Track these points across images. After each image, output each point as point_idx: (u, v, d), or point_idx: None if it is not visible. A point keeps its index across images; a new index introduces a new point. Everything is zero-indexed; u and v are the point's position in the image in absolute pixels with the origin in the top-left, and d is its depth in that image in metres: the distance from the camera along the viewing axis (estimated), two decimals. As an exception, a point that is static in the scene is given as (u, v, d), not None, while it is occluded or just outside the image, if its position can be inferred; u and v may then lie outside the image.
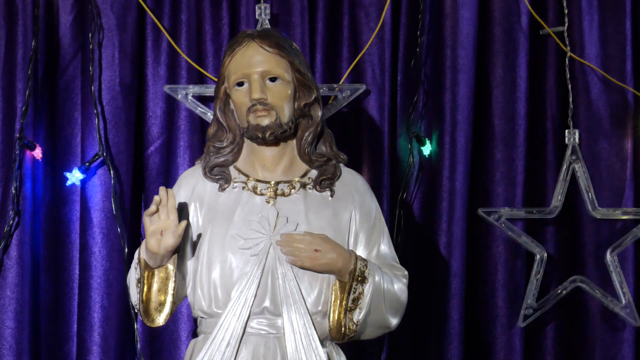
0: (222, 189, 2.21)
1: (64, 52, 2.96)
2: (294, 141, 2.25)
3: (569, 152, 3.02)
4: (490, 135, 3.07)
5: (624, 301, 2.98)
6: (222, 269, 2.13)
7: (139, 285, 2.16)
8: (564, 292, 3.02)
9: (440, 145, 3.02)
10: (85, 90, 2.93)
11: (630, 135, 3.09)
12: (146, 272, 2.13)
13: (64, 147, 2.96)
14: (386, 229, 2.29)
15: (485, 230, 3.05)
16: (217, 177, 2.22)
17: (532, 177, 3.09)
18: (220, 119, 2.25)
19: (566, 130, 3.04)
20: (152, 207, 2.08)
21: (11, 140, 2.88)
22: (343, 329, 2.13)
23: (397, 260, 2.27)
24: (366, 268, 2.13)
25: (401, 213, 2.99)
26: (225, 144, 2.25)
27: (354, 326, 2.14)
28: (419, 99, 3.04)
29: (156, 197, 2.07)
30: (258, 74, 2.15)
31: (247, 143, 2.25)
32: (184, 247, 2.19)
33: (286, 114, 2.18)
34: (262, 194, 2.19)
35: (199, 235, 2.19)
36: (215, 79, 2.76)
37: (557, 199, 3.00)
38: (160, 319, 2.17)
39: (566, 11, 3.08)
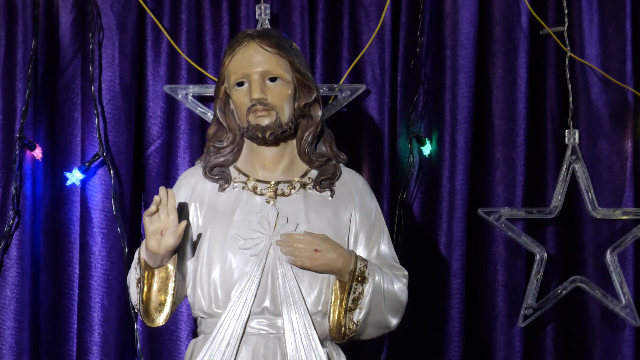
0: (222, 189, 2.21)
1: (64, 52, 2.96)
2: (294, 141, 2.25)
3: (569, 152, 3.02)
4: (490, 135, 3.07)
5: (624, 301, 2.98)
6: (222, 269, 2.13)
7: (139, 285, 2.16)
8: (564, 292, 3.02)
9: (440, 145, 3.02)
10: (85, 90, 2.93)
11: (630, 135, 3.09)
12: (146, 272, 2.13)
13: (64, 147, 2.96)
14: (386, 228, 2.29)
15: (485, 230, 3.06)
16: (217, 177, 2.22)
17: (532, 177, 3.09)
18: (220, 119, 2.25)
19: (566, 130, 3.04)
20: (152, 207, 2.08)
21: (11, 140, 2.88)
22: (343, 329, 2.13)
23: (397, 260, 2.27)
24: (366, 268, 2.13)
25: (401, 213, 2.99)
26: (225, 144, 2.25)
27: (354, 326, 2.14)
28: (419, 99, 3.04)
29: (156, 197, 2.07)
30: (258, 74, 2.16)
31: (247, 143, 2.25)
32: (184, 247, 2.19)
33: (286, 114, 2.18)
34: (262, 194, 2.19)
35: (199, 235, 2.19)
36: (215, 79, 2.76)
37: (557, 199, 3.00)
38: (160, 319, 2.17)
39: (566, 11, 3.08)
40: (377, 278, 2.13)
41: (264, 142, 2.19)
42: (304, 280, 2.13)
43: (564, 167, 3.02)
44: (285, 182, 2.21)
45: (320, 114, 2.24)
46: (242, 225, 2.15)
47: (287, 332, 2.10)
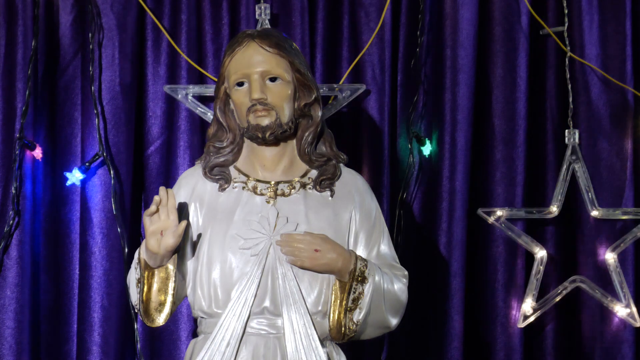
0: (222, 189, 2.21)
1: (64, 52, 2.96)
2: (294, 141, 2.25)
3: (569, 152, 3.02)
4: (490, 135, 3.07)
5: (624, 301, 2.98)
6: (222, 269, 2.13)
7: (139, 285, 2.16)
8: (564, 292, 3.02)
9: (440, 145, 3.02)
10: (85, 90, 2.93)
11: (630, 135, 3.09)
12: (146, 272, 2.13)
13: (64, 147, 2.96)
14: (386, 228, 2.29)
15: (485, 230, 3.05)
16: (217, 177, 2.22)
17: (532, 177, 3.09)
18: (220, 119, 2.25)
19: (566, 130, 3.04)
20: (152, 207, 2.07)
21: (11, 140, 2.88)
22: (343, 329, 2.13)
23: (397, 260, 2.27)
24: (366, 268, 2.13)
25: (401, 213, 2.99)
26: (225, 144, 2.25)
27: (354, 326, 2.14)
28: (419, 99, 3.04)
29: (156, 197, 2.07)
30: (258, 74, 2.15)
31: (247, 143, 2.25)
32: (184, 247, 2.19)
33: (286, 114, 2.18)
34: (262, 194, 2.19)
35: (199, 235, 2.19)
36: (215, 79, 2.76)
37: (557, 199, 3.00)
38: (160, 319, 2.17)
39: (566, 11, 3.08)
40: (377, 278, 2.13)
41: (264, 142, 2.19)
42: (304, 280, 2.13)
43: (564, 167, 3.02)
44: (285, 182, 2.21)
45: (320, 114, 2.24)
46: (242, 225, 2.15)
47: (287, 332, 2.10)
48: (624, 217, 3.03)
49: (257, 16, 2.94)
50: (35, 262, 2.92)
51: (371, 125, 3.01)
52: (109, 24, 2.94)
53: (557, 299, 3.02)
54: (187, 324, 2.93)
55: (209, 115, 2.91)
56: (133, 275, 2.20)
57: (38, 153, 2.90)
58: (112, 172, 2.88)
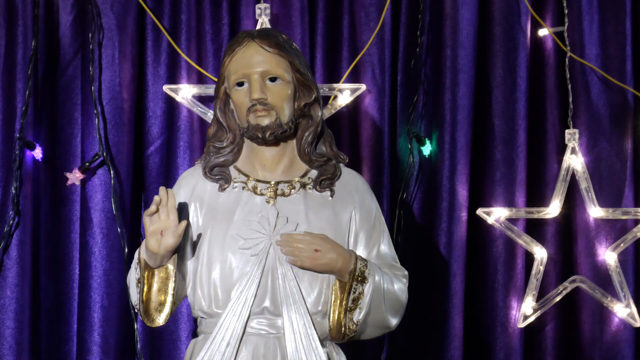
0: (222, 189, 2.21)
1: (64, 52, 2.96)
2: (294, 141, 2.25)
3: (568, 152, 3.02)
4: (490, 135, 3.07)
5: (624, 301, 2.98)
6: (222, 269, 2.13)
7: (139, 285, 2.16)
8: (564, 292, 3.02)
9: (440, 145, 3.02)
10: (85, 90, 2.94)
11: (630, 135, 3.09)
12: (146, 272, 2.13)
13: (64, 147, 2.96)
14: (386, 228, 2.29)
15: (485, 230, 3.05)
16: (217, 177, 2.22)
17: (532, 177, 3.09)
18: (220, 119, 2.25)
19: (566, 130, 3.04)
20: (152, 207, 2.07)
21: (11, 140, 2.88)
22: (343, 329, 2.13)
23: (397, 260, 2.27)
24: (366, 268, 2.13)
25: (401, 213, 2.99)
26: (225, 144, 2.25)
27: (354, 326, 2.14)
28: (419, 99, 3.04)
29: (156, 197, 2.07)
30: (258, 74, 2.15)
31: (247, 143, 2.25)
32: (184, 247, 2.19)
33: (286, 114, 2.18)
34: (262, 194, 2.19)
35: (199, 235, 2.19)
36: (215, 79, 2.76)
37: (557, 199, 3.00)
38: (160, 319, 2.17)
39: (566, 11, 3.08)
40: (377, 278, 2.13)
41: (264, 142, 2.19)
42: (304, 280, 2.13)
43: (564, 167, 3.01)
44: (285, 182, 2.21)
45: (320, 114, 2.24)
46: (242, 225, 2.15)
47: (287, 332, 2.10)
48: (624, 217, 3.03)
49: (257, 16, 2.94)
50: (36, 262, 2.92)
51: (371, 125, 3.01)
52: (109, 24, 2.94)
53: (557, 299, 3.02)
54: (187, 324, 2.93)
55: (209, 115, 2.91)
56: (133, 275, 2.20)
57: (38, 153, 2.90)
58: (112, 172, 2.88)
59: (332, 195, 2.22)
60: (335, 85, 2.98)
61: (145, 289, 2.14)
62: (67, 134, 2.96)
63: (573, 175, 3.02)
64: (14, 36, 2.90)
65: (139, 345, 2.92)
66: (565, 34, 3.07)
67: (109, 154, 2.91)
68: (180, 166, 2.95)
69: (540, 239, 3.05)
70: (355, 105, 3.02)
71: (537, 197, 3.10)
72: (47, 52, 2.94)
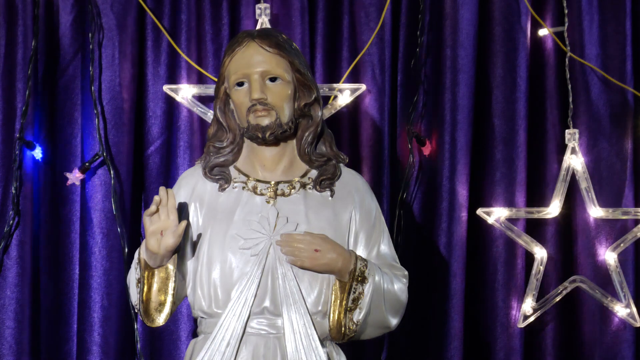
0: (222, 189, 2.21)
1: (64, 52, 2.96)
2: (294, 141, 2.25)
3: (568, 152, 3.02)
4: (490, 135, 3.07)
5: (624, 301, 2.98)
6: (222, 269, 2.13)
7: (139, 285, 2.16)
8: (564, 292, 3.02)
9: (440, 145, 3.02)
10: (85, 90, 2.93)
11: (630, 135, 3.09)
12: (146, 272, 2.13)
13: (64, 147, 2.96)
14: (386, 228, 2.29)
15: (485, 230, 3.05)
16: (217, 177, 2.22)
17: (532, 177, 3.09)
18: (220, 119, 2.25)
19: (566, 130, 3.04)
20: (152, 207, 2.07)
21: (11, 140, 2.88)
22: (343, 329, 2.13)
23: (397, 260, 2.27)
24: (366, 268, 2.13)
25: (401, 213, 2.99)
26: (225, 144, 2.25)
27: (354, 326, 2.14)
28: (419, 99, 3.04)
29: (156, 197, 2.07)
30: (258, 74, 2.15)
31: (247, 143, 2.25)
32: (184, 247, 2.19)
33: (286, 114, 2.18)
34: (262, 194, 2.19)
35: (199, 235, 2.19)
36: (215, 79, 2.76)
37: (557, 199, 3.00)
38: (160, 319, 2.17)
39: (566, 11, 3.08)
40: (377, 278, 2.13)
41: (264, 142, 2.19)
42: (304, 280, 2.13)
43: (564, 167, 3.01)
44: (285, 182, 2.21)
45: (320, 114, 2.24)
46: (242, 225, 2.15)
47: (287, 332, 2.10)
48: (624, 217, 3.03)
49: (257, 16, 2.94)
50: (36, 262, 2.92)
51: (371, 125, 3.01)
52: (109, 24, 2.94)
53: (557, 299, 3.02)
54: (187, 324, 2.93)
55: (209, 115, 2.91)
56: (133, 275, 2.20)
57: (38, 153, 2.90)
58: (112, 172, 2.88)
59: (332, 195, 2.22)
60: (335, 85, 2.98)
61: (145, 289, 2.14)
62: (67, 134, 2.96)
63: (573, 175, 3.02)
64: (14, 36, 2.90)
65: (139, 345, 2.92)
66: (565, 34, 3.07)
67: (109, 154, 2.91)
68: (180, 166, 2.95)
69: (540, 239, 3.05)
70: (355, 105, 3.02)
71: (537, 197, 3.10)
72: (47, 52, 2.94)
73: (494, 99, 3.06)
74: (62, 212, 2.96)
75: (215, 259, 2.14)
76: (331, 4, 3.04)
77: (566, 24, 3.08)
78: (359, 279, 2.12)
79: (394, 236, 2.90)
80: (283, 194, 2.19)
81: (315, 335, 2.11)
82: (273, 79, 2.17)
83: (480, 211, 2.99)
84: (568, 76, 3.06)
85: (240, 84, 2.18)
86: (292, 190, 2.20)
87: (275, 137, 2.18)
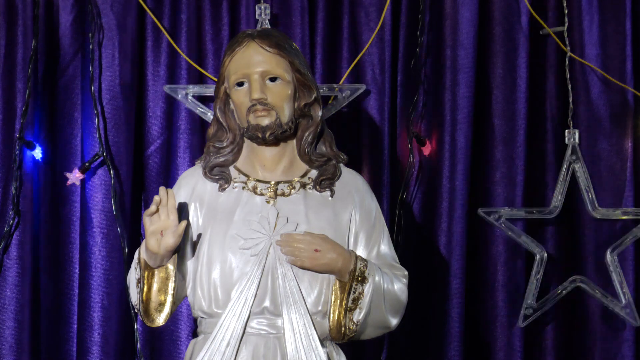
0: (222, 189, 2.21)
1: (64, 52, 2.96)
2: (294, 141, 2.25)
3: (569, 152, 3.02)
4: (490, 135, 3.07)
5: (624, 301, 2.98)
6: (222, 269, 2.13)
7: (139, 285, 2.16)
8: (564, 292, 3.02)
9: (440, 145, 3.02)
10: (85, 90, 2.93)
11: (630, 135, 3.09)
12: (146, 272, 2.13)
13: (64, 147, 2.96)
14: (386, 228, 2.29)
15: (485, 230, 3.05)
16: (217, 177, 2.22)
17: (532, 177, 3.09)
18: (220, 119, 2.25)
19: (566, 130, 3.04)
20: (152, 207, 2.08)
21: (11, 140, 2.88)
22: (343, 329, 2.13)
23: (397, 260, 2.27)
24: (366, 268, 2.13)
25: (401, 213, 2.99)
26: (225, 144, 2.25)
27: (354, 326, 2.14)
28: (419, 99, 3.04)
29: (156, 197, 2.07)
30: (258, 74, 2.15)
31: (247, 143, 2.25)
32: (184, 247, 2.19)
33: (286, 114, 2.18)
34: (262, 194, 2.19)
35: (199, 235, 2.19)
36: (215, 79, 2.76)
37: (557, 199, 3.00)
38: (160, 319, 2.17)
39: (566, 11, 3.08)
40: (377, 278, 2.13)
41: (264, 142, 2.19)
42: (304, 280, 2.13)
43: (564, 167, 3.02)
44: (285, 182, 2.21)
45: (320, 114, 2.24)
46: (242, 225, 2.15)
47: (287, 332, 2.10)
48: (624, 217, 3.03)
49: (257, 16, 2.94)
50: (36, 262, 2.91)
51: (371, 125, 3.01)
52: (109, 24, 2.93)
53: (557, 299, 3.02)
54: (187, 324, 2.93)
55: (209, 115, 2.91)
56: (133, 275, 2.20)
57: (38, 153, 2.90)
58: (112, 172, 2.88)
59: (332, 195, 2.22)
60: (335, 85, 2.98)
61: (145, 289, 2.14)
62: (67, 134, 2.96)
63: (573, 175, 3.02)
64: (14, 36, 2.90)
65: (139, 345, 2.92)
66: (565, 34, 3.08)
67: (109, 154, 2.91)
68: (180, 166, 2.95)
69: (540, 239, 3.05)
70: (355, 105, 3.02)
71: (537, 197, 3.10)
72: (47, 52, 2.94)
73: (494, 99, 3.06)
74: (62, 212, 2.96)
75: (215, 259, 2.14)
76: (331, 4, 3.04)
77: (566, 24, 3.08)
78: (359, 279, 2.12)
79: (394, 236, 2.90)
80: (283, 194, 2.19)
81: (315, 335, 2.11)
82: (273, 79, 2.17)
83: (480, 211, 2.99)
84: (568, 76, 3.06)
85: (240, 84, 2.18)
86: (292, 190, 2.20)
87: (275, 137, 2.18)
